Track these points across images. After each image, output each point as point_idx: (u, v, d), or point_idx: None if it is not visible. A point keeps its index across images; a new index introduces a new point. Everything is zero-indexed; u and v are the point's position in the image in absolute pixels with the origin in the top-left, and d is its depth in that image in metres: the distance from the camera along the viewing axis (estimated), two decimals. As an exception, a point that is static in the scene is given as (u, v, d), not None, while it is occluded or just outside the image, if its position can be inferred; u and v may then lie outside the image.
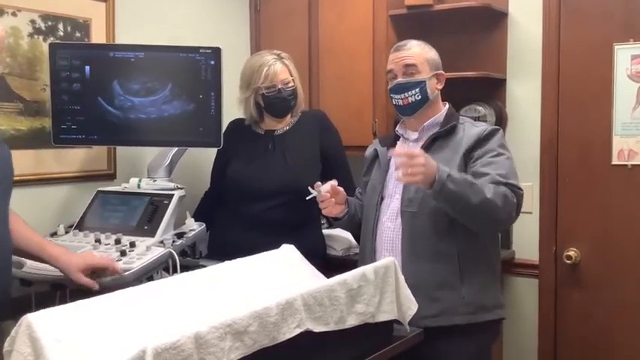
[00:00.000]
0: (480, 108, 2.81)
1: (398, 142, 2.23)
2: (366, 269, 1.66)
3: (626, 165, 2.60)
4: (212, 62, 2.46)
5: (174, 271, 2.11)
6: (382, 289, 1.68)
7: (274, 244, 1.96)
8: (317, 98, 3.09)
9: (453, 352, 2.03)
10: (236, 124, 2.69)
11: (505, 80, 2.87)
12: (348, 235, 2.75)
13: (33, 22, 2.46)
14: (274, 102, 2.53)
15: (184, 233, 2.27)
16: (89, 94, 2.47)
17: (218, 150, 2.61)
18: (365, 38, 2.94)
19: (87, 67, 2.45)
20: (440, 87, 2.17)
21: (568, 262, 2.73)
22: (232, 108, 2.63)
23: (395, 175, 1.95)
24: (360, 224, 2.26)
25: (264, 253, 1.89)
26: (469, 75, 2.75)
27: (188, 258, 2.32)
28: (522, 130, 2.81)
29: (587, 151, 2.68)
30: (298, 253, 1.96)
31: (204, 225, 2.37)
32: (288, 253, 1.94)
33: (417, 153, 1.87)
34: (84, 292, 1.82)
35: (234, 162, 2.61)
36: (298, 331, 1.42)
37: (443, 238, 2.02)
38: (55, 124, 2.47)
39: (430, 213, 2.02)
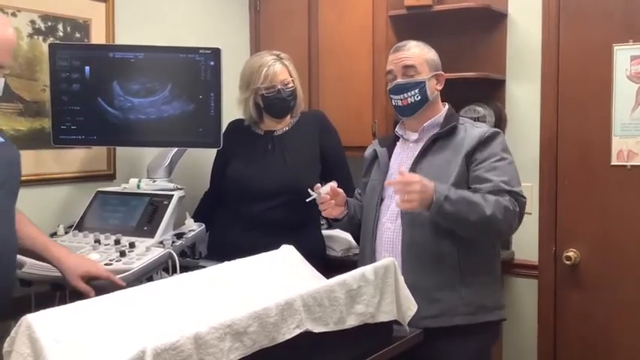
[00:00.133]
0: (479, 109, 2.81)
1: (397, 143, 2.24)
2: (366, 270, 1.66)
3: (625, 166, 2.60)
4: (212, 63, 2.46)
5: (174, 271, 2.11)
6: (382, 289, 1.68)
7: (274, 245, 1.96)
8: (316, 99, 3.09)
9: (453, 353, 2.04)
10: (236, 124, 2.69)
11: (504, 81, 2.87)
12: (347, 236, 2.75)
13: (33, 22, 2.46)
14: (274, 102, 2.53)
15: (184, 234, 2.27)
16: (89, 95, 2.47)
17: (218, 150, 2.61)
18: (364, 39, 2.94)
19: (87, 68, 2.46)
20: (439, 88, 2.17)
21: (567, 262, 2.73)
22: (232, 108, 2.63)
23: (395, 201, 1.97)
24: (360, 225, 2.26)
25: (264, 253, 1.89)
26: (468, 76, 2.75)
27: (188, 258, 2.32)
28: (522, 130, 2.81)
29: (586, 152, 2.68)
30: (298, 253, 1.96)
31: (204, 225, 2.37)
32: (287, 254, 1.94)
33: (413, 179, 1.89)
34: (84, 293, 1.83)
35: (234, 162, 2.61)
36: (298, 331, 1.43)
37: (443, 239, 2.02)
38: (55, 124, 2.47)
39: (430, 214, 2.02)
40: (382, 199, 2.16)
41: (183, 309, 1.51)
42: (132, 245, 2.13)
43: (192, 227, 2.32)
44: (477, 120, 2.63)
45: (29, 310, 1.33)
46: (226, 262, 1.80)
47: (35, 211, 2.31)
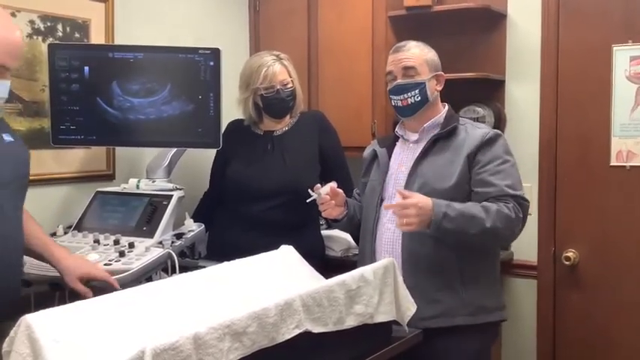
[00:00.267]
0: (478, 109, 2.82)
1: (397, 143, 2.24)
2: (365, 270, 1.66)
3: (624, 166, 2.60)
4: (211, 63, 2.46)
5: (173, 271, 2.11)
6: (381, 289, 1.68)
7: (273, 245, 1.96)
8: (316, 99, 3.10)
9: (453, 353, 2.04)
10: (235, 124, 2.69)
11: (504, 81, 2.87)
12: (346, 236, 2.75)
13: (32, 22, 2.46)
14: (273, 103, 2.53)
15: (183, 234, 2.27)
16: (88, 95, 2.47)
17: (217, 151, 2.61)
18: (364, 39, 2.94)
19: (86, 68, 2.46)
20: (439, 88, 2.17)
21: (567, 263, 2.73)
22: (231, 109, 2.63)
23: (395, 223, 1.98)
24: (359, 225, 2.26)
25: (263, 253, 1.89)
26: (468, 76, 2.75)
27: (187, 259, 2.32)
28: (521, 131, 2.81)
29: (585, 153, 2.68)
30: (297, 253, 1.96)
31: (203, 226, 2.37)
32: (286, 254, 1.94)
33: (409, 203, 1.89)
34: (81, 294, 1.83)
35: (234, 162, 2.61)
36: (297, 331, 1.43)
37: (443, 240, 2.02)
38: (54, 124, 2.47)
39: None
40: (382, 200, 2.16)
41: (183, 309, 1.51)
42: (131, 245, 2.13)
43: (192, 227, 2.32)
44: (476, 120, 2.63)
45: (28, 310, 1.33)
46: (226, 263, 1.80)
47: (34, 211, 2.30)
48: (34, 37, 2.46)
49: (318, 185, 2.14)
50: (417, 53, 2.13)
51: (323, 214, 2.20)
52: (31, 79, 2.47)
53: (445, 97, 2.23)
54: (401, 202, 1.91)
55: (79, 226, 2.34)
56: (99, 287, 1.87)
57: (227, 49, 2.55)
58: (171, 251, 2.14)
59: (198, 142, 2.54)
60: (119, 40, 2.72)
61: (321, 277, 1.90)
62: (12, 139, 1.82)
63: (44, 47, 2.47)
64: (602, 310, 2.68)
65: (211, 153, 2.69)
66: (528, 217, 2.78)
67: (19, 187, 1.80)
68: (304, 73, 3.02)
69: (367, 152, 2.33)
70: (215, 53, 2.46)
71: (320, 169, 2.58)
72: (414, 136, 2.18)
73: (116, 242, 2.16)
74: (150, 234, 2.24)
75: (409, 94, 2.10)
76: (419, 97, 2.11)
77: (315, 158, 2.58)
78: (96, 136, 2.51)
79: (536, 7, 2.76)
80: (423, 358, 1.91)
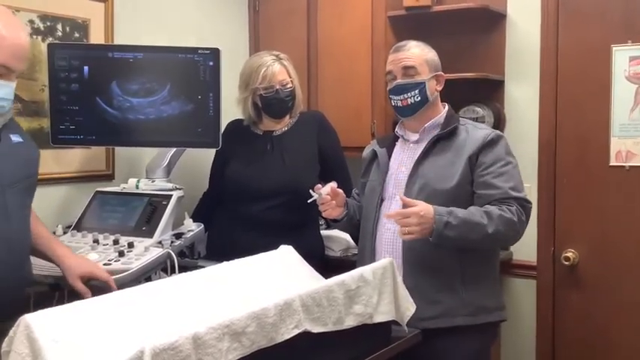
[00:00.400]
0: (478, 109, 2.82)
1: (397, 143, 2.23)
2: (365, 270, 1.66)
3: (623, 166, 2.61)
4: (211, 63, 2.46)
5: (173, 271, 2.11)
6: (380, 289, 1.68)
7: (273, 245, 1.96)
8: (315, 99, 3.10)
9: (452, 353, 2.03)
10: (235, 124, 2.69)
11: (503, 81, 2.87)
12: (346, 236, 2.75)
13: (32, 22, 2.46)
14: (272, 103, 2.53)
15: (183, 234, 2.27)
16: (88, 95, 2.47)
17: (217, 150, 2.61)
18: (364, 39, 2.94)
19: (85, 68, 2.45)
20: (439, 88, 2.17)
21: (566, 263, 2.73)
22: (231, 109, 2.63)
23: (397, 231, 1.97)
24: (358, 225, 2.26)
25: (263, 253, 1.89)
26: (468, 76, 2.75)
27: (186, 259, 2.32)
28: (520, 131, 2.81)
29: (585, 153, 2.69)
30: (296, 253, 1.96)
31: (203, 225, 2.37)
32: (286, 254, 1.94)
33: (410, 212, 1.88)
34: (81, 293, 1.83)
35: (233, 162, 2.61)
36: (296, 331, 1.42)
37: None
38: (54, 124, 2.46)
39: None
40: (382, 200, 2.16)
41: (182, 309, 1.51)
42: (130, 245, 2.14)
43: (191, 227, 2.32)
44: (475, 120, 2.63)
45: (28, 310, 1.33)
46: (225, 263, 1.80)
47: (34, 211, 2.31)
48: (34, 36, 2.46)
49: (319, 185, 2.14)
50: (417, 53, 2.13)
51: (323, 215, 2.20)
52: (31, 79, 2.47)
53: (445, 97, 2.23)
54: (402, 211, 1.90)
55: (78, 226, 2.34)
56: (98, 287, 1.87)
57: (227, 49, 2.55)
58: (170, 251, 2.14)
59: (197, 142, 2.54)
60: (119, 40, 2.72)
61: (321, 277, 1.90)
62: (21, 140, 1.82)
63: (44, 47, 2.47)
64: (601, 310, 2.68)
65: (211, 153, 2.69)
66: (528, 217, 2.78)
67: (27, 186, 1.81)
68: (304, 73, 3.02)
69: (367, 152, 2.33)
70: (214, 53, 2.46)
71: (319, 169, 2.58)
72: (414, 137, 2.18)
73: (115, 242, 2.16)
74: (149, 234, 2.24)
75: (409, 94, 2.10)
76: (419, 97, 2.10)
77: (315, 158, 2.58)
78: (95, 136, 2.51)
79: (536, 7, 2.76)
80: (422, 358, 1.91)
